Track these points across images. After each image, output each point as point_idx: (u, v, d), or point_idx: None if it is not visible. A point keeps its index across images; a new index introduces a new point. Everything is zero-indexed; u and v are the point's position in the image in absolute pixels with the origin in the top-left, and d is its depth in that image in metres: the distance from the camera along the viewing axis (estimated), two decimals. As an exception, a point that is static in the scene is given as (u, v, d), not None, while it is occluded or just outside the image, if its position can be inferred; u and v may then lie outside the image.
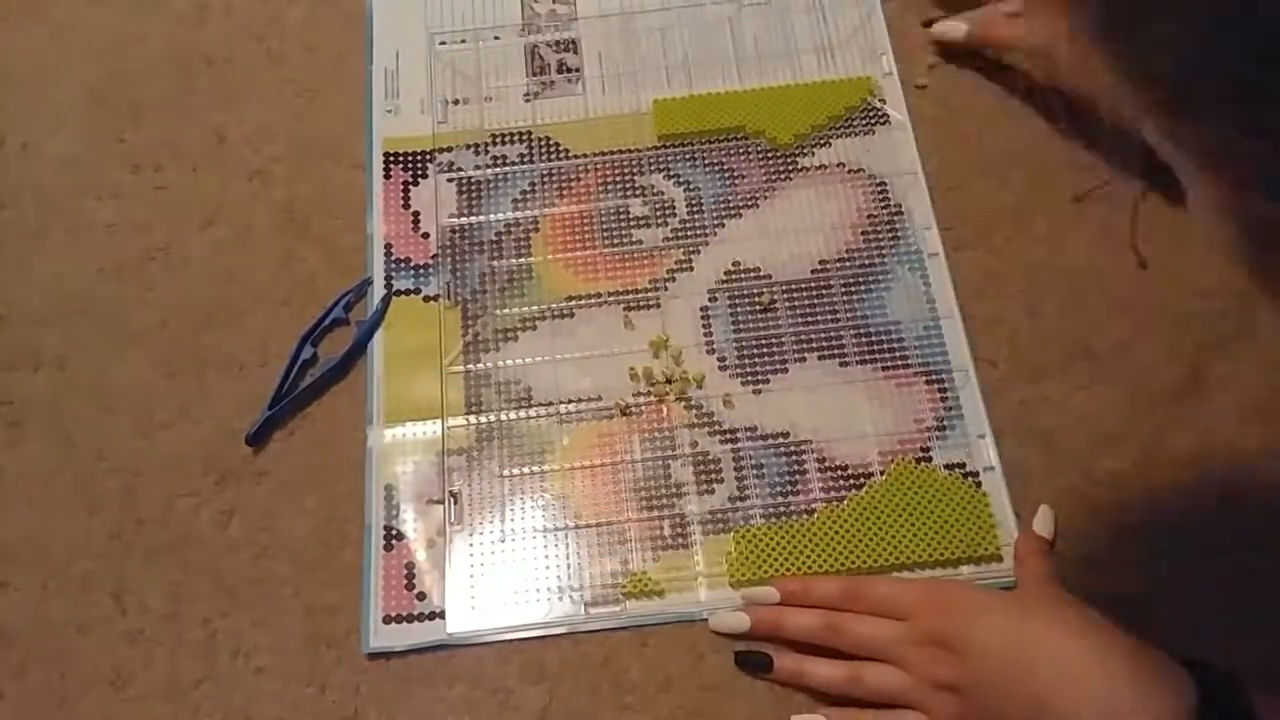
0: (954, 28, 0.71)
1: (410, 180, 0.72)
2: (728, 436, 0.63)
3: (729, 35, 0.76)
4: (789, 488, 0.62)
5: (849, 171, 0.71)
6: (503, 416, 0.65)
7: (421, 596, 0.60)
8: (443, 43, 0.77)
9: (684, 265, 0.69)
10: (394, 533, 0.62)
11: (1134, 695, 0.44)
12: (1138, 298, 0.66)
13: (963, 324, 0.65)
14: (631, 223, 0.70)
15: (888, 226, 0.69)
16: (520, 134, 0.73)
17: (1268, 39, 0.27)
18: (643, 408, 0.64)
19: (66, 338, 0.68)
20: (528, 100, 0.75)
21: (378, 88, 0.75)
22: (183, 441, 0.65)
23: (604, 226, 0.70)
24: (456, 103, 0.75)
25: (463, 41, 0.77)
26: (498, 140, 0.73)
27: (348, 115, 0.74)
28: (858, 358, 0.65)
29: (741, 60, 0.75)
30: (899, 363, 0.65)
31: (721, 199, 0.70)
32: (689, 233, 0.69)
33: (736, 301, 0.67)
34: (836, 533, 0.60)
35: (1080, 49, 0.31)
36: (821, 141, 0.72)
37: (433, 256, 0.69)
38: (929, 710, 0.52)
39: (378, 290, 0.68)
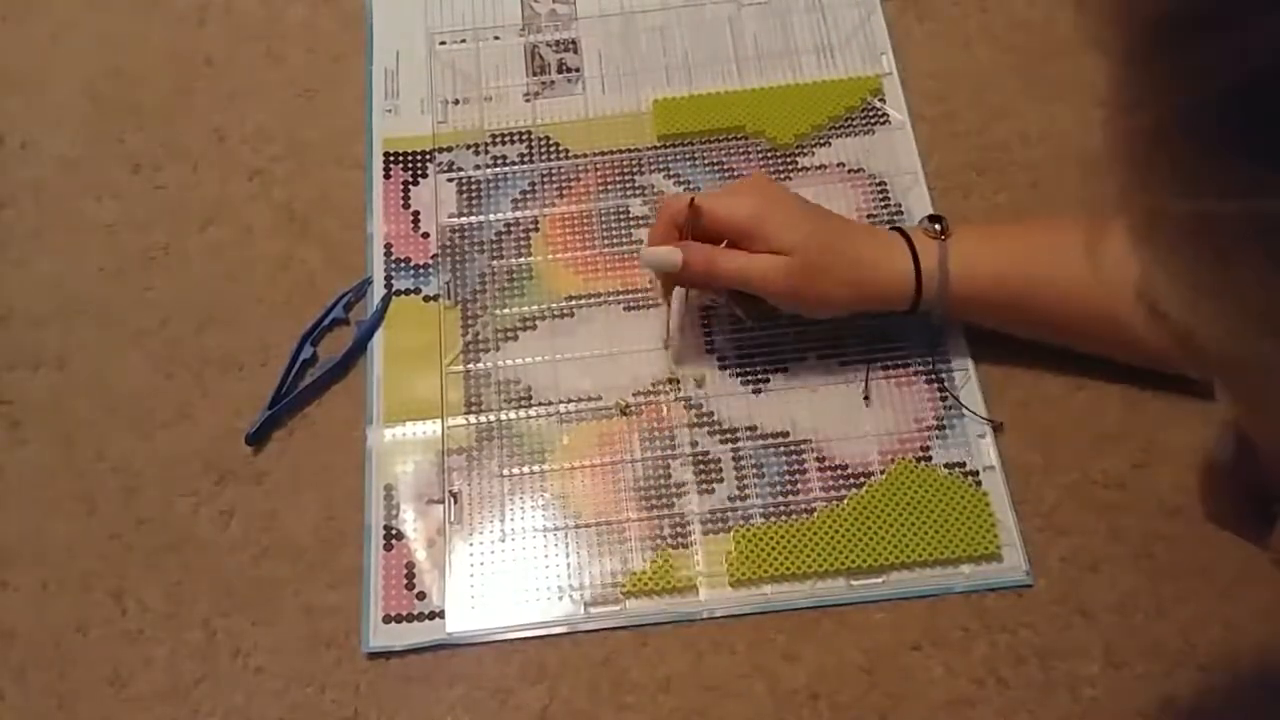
0: (667, 253, 0.60)
1: (410, 180, 0.72)
2: (728, 436, 0.63)
3: (729, 35, 0.77)
4: (789, 487, 0.62)
5: (849, 171, 0.71)
6: (503, 416, 0.65)
7: (421, 596, 0.60)
8: (443, 43, 0.77)
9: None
10: (394, 532, 0.62)
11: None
12: (1138, 297, 0.66)
13: (963, 325, 0.65)
14: (631, 222, 0.70)
15: (888, 226, 0.69)
16: (520, 134, 0.73)
17: None
18: (643, 407, 0.64)
19: (66, 338, 0.68)
20: (528, 100, 0.75)
21: (378, 88, 0.75)
22: (183, 441, 0.65)
23: (604, 226, 0.70)
24: (456, 103, 0.75)
25: (463, 41, 0.77)
26: (498, 140, 0.73)
27: (348, 115, 0.75)
28: (858, 357, 0.65)
29: (741, 60, 0.75)
30: (899, 363, 0.65)
31: (721, 199, 0.70)
32: (689, 232, 0.69)
33: (736, 301, 0.67)
34: (836, 532, 0.60)
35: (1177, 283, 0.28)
36: (821, 141, 0.72)
37: (433, 256, 0.69)
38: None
39: (377, 290, 0.68)
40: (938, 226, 0.61)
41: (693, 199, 0.60)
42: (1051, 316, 0.60)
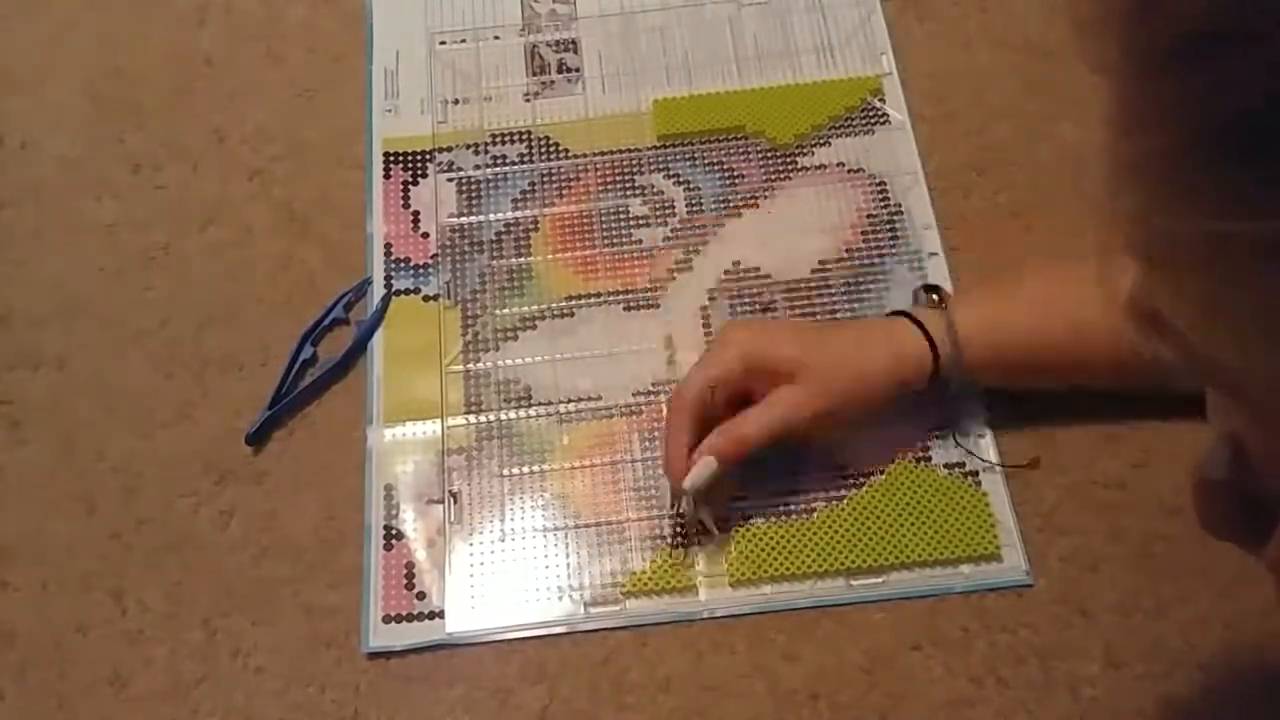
0: (706, 467, 0.57)
1: (410, 180, 0.72)
2: (728, 436, 0.63)
3: (729, 35, 0.77)
4: (789, 487, 0.62)
5: (849, 171, 0.71)
6: (503, 416, 0.65)
7: (421, 596, 0.60)
8: (443, 42, 0.77)
9: (684, 265, 0.69)
10: (394, 532, 0.62)
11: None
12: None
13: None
14: (631, 222, 0.70)
15: (887, 226, 0.69)
16: (520, 134, 0.73)
17: None
18: (642, 407, 0.64)
19: (66, 338, 0.68)
20: (528, 100, 0.75)
21: (378, 87, 0.75)
22: (183, 441, 0.65)
23: (604, 226, 0.70)
24: (456, 102, 0.75)
25: (463, 41, 0.77)
26: (498, 140, 0.73)
27: (348, 115, 0.75)
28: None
29: (741, 60, 0.75)
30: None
31: (721, 199, 0.70)
32: (689, 232, 0.69)
33: (736, 301, 0.67)
34: (836, 532, 0.60)
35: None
36: (821, 141, 0.72)
37: (432, 256, 0.69)
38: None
39: (377, 290, 0.68)
40: (935, 296, 0.61)
41: (711, 387, 0.58)
42: (1076, 359, 0.59)
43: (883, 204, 0.70)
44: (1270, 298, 0.25)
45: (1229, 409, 0.31)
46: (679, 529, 0.61)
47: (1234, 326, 0.27)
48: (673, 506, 0.61)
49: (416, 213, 0.71)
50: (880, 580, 0.60)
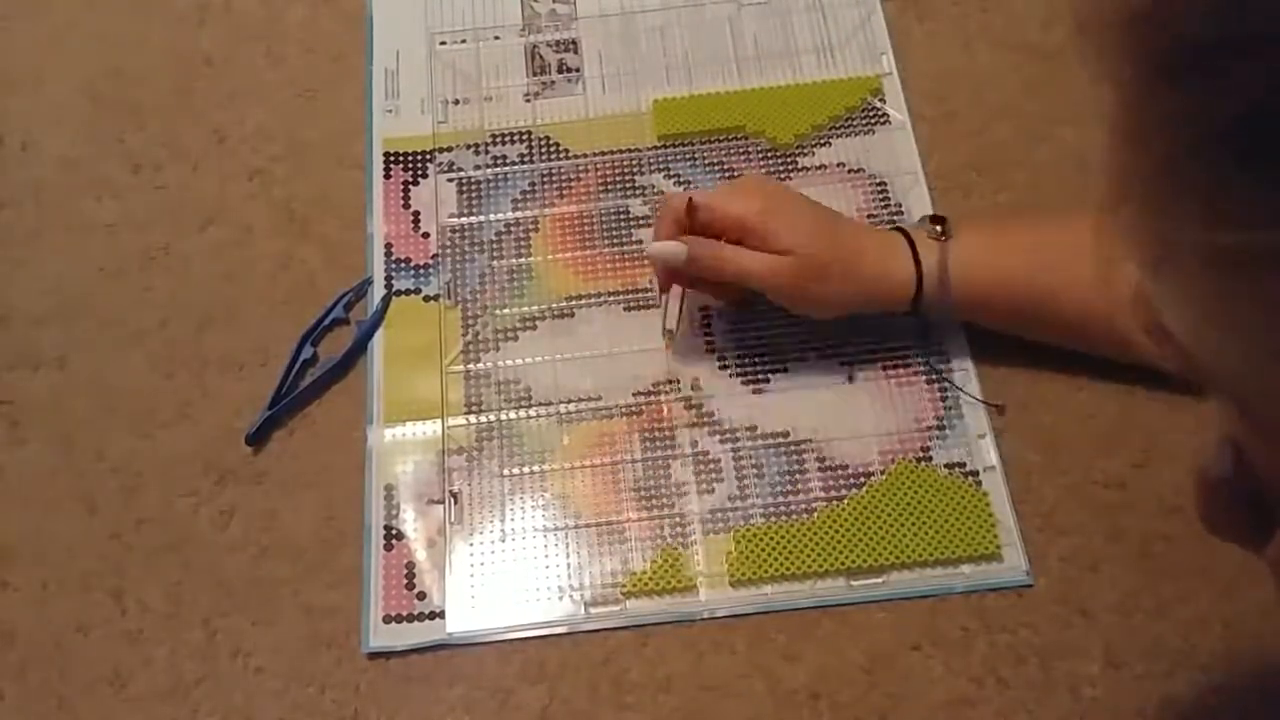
0: (672, 248, 0.61)
1: (410, 180, 0.72)
2: (728, 436, 0.63)
3: (729, 35, 0.77)
4: (789, 487, 0.62)
5: (849, 171, 0.71)
6: (503, 416, 0.65)
7: (422, 596, 0.60)
8: (443, 43, 0.77)
9: (684, 265, 0.68)
10: (394, 532, 0.62)
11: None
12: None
13: (963, 323, 0.65)
14: (631, 222, 0.70)
15: (888, 226, 0.69)
16: (520, 134, 0.73)
17: None
18: (643, 407, 0.64)
19: (66, 338, 0.68)
20: (528, 100, 0.75)
21: (378, 88, 0.75)
22: (183, 441, 0.65)
23: (604, 226, 0.70)
24: (457, 103, 0.75)
25: (463, 41, 0.77)
26: (498, 140, 0.73)
27: (348, 115, 0.75)
28: (858, 357, 0.65)
29: (741, 60, 0.75)
30: (899, 362, 0.65)
31: (721, 199, 0.70)
32: (689, 232, 0.69)
33: (736, 301, 0.67)
34: (836, 532, 0.60)
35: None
36: (822, 141, 0.72)
37: (433, 256, 0.69)
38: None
39: (378, 290, 0.68)
40: (939, 228, 0.61)
41: (691, 198, 0.60)
42: (1055, 320, 0.60)
43: (883, 204, 0.70)
44: (1271, 310, 0.25)
45: (1231, 413, 0.31)
46: (665, 331, 0.64)
47: (1234, 338, 0.27)
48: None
49: (417, 213, 0.71)
50: (880, 580, 0.60)
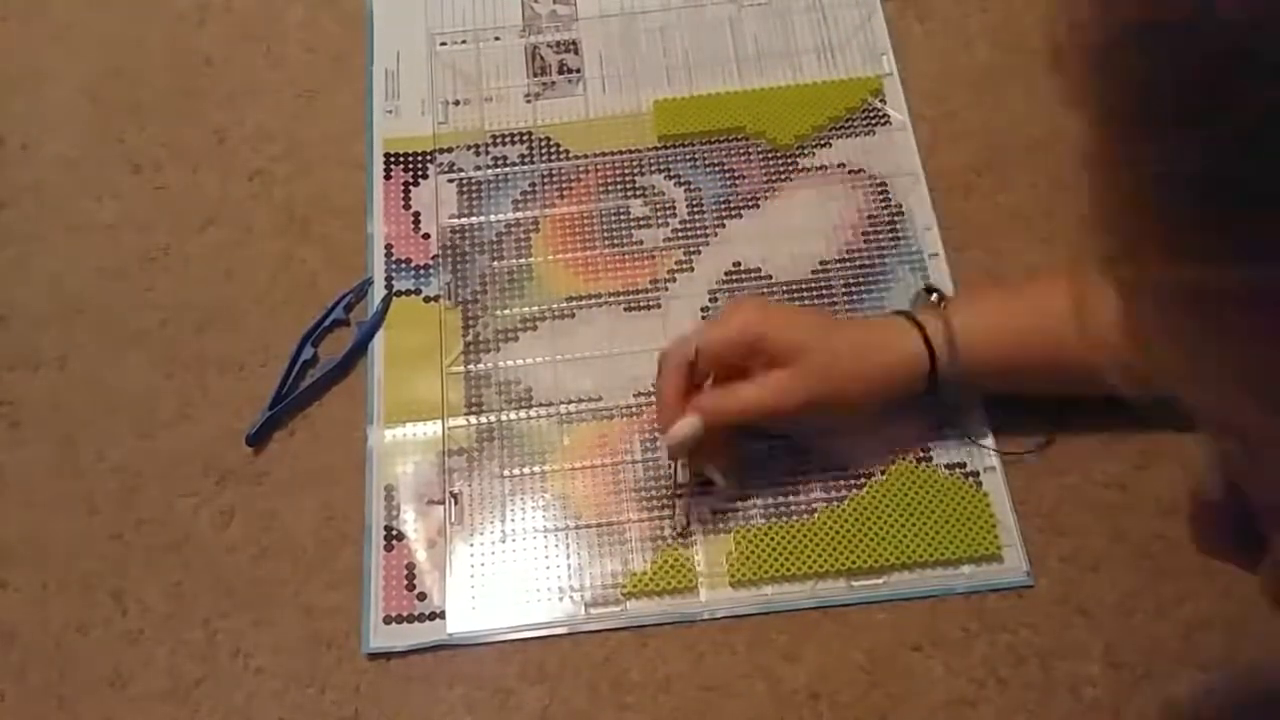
0: (689, 425, 0.57)
1: (411, 181, 0.72)
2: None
3: (729, 35, 0.77)
4: (789, 487, 0.62)
5: (849, 172, 0.71)
6: (503, 417, 0.65)
7: (422, 597, 0.60)
8: (443, 43, 0.77)
9: (684, 265, 0.69)
10: (394, 533, 0.62)
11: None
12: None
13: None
14: (632, 223, 0.70)
15: (888, 227, 0.69)
16: (521, 134, 0.73)
17: None
18: (643, 408, 0.64)
19: (66, 338, 0.68)
20: (528, 101, 0.75)
21: (378, 88, 0.75)
22: (183, 441, 0.65)
23: (604, 227, 0.70)
24: (457, 103, 0.75)
25: (463, 42, 0.77)
26: (498, 141, 0.73)
27: (348, 115, 0.75)
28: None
29: (741, 60, 0.75)
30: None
31: (722, 199, 0.70)
32: (689, 233, 0.69)
33: (737, 302, 0.67)
34: (837, 532, 0.60)
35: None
36: (822, 142, 0.72)
37: (433, 257, 0.69)
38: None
39: (378, 291, 0.68)
40: (934, 295, 0.61)
41: (695, 346, 0.58)
42: (1070, 365, 0.57)
43: (883, 205, 0.70)
44: (1236, 341, 0.25)
45: (1215, 437, 0.31)
46: (673, 489, 0.61)
47: (1210, 376, 0.27)
48: (669, 465, 0.61)
49: (417, 213, 0.71)
50: (881, 580, 0.60)
